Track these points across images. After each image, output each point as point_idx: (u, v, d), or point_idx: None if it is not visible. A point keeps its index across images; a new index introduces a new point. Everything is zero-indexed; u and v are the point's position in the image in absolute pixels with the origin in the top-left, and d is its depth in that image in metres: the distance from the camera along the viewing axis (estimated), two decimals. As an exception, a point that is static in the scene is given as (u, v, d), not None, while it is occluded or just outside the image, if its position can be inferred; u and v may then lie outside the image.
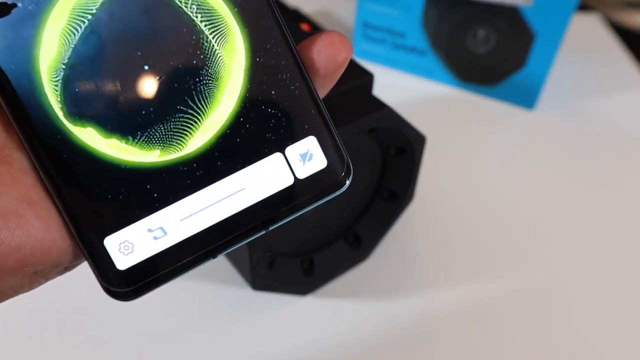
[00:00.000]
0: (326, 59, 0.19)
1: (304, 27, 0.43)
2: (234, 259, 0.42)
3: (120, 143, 0.18)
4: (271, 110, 0.19)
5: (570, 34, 0.66)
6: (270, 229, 0.19)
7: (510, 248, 0.46)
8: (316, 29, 0.43)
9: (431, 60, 0.61)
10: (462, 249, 0.45)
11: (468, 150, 0.55)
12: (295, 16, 0.46)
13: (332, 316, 0.40)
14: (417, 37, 0.60)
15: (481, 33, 0.57)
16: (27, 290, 0.18)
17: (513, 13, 0.55)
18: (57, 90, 0.17)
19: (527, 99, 0.59)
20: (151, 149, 0.18)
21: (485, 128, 0.58)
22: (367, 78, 0.38)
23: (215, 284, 0.42)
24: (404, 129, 0.38)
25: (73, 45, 0.17)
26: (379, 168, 0.42)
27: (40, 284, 0.18)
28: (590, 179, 0.53)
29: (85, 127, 0.18)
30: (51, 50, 0.17)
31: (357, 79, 0.37)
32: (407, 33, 0.61)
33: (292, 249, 0.41)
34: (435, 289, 0.42)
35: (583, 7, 0.78)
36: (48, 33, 0.17)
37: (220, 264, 0.43)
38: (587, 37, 0.72)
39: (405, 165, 0.41)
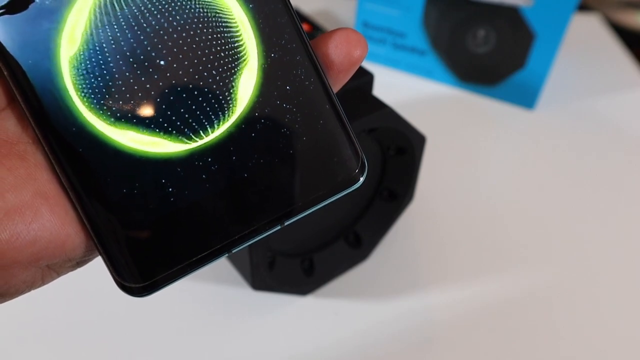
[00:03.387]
0: (342, 55, 0.20)
1: (304, 27, 0.43)
2: (234, 259, 0.42)
3: (137, 135, 0.18)
4: (286, 105, 0.19)
5: (570, 34, 0.67)
6: (286, 224, 0.19)
7: (510, 248, 0.46)
8: (316, 29, 0.43)
9: (431, 60, 0.61)
10: (462, 248, 0.45)
11: (468, 150, 0.55)
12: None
13: (332, 316, 0.40)
14: (417, 37, 0.60)
15: (481, 33, 0.57)
16: (39, 286, 0.18)
17: (513, 13, 0.55)
18: (76, 85, 0.17)
19: (527, 99, 0.59)
20: (167, 142, 0.18)
21: (485, 128, 0.58)
22: (367, 78, 0.38)
23: (215, 284, 0.42)
24: (404, 129, 0.38)
25: (94, 38, 0.17)
26: (379, 168, 0.42)
27: (53, 278, 0.18)
28: (591, 178, 0.53)
29: (104, 121, 0.18)
30: (71, 44, 0.17)
31: (357, 79, 0.37)
32: (407, 33, 0.61)
33: (292, 249, 0.41)
34: (435, 289, 0.42)
35: (583, 7, 0.78)
36: (68, 27, 0.17)
37: (220, 264, 0.43)
38: (587, 37, 0.72)
39: (405, 165, 0.41)
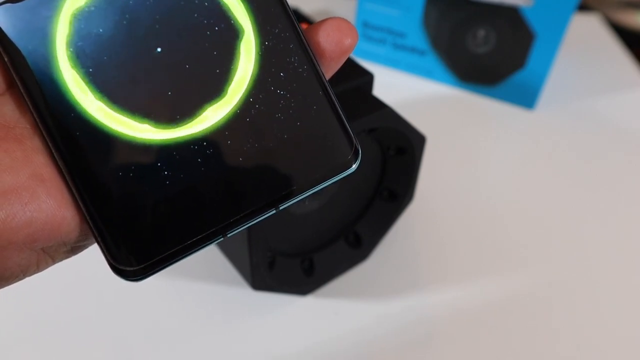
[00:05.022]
0: (333, 43, 0.20)
1: (304, 27, 0.43)
2: (234, 259, 0.42)
3: (133, 120, 0.18)
4: (280, 92, 0.19)
5: (570, 34, 0.67)
6: (281, 208, 0.20)
7: (510, 248, 0.46)
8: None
9: (431, 60, 0.61)
10: (462, 248, 0.45)
11: (468, 150, 0.55)
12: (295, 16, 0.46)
13: (332, 316, 0.40)
14: (417, 37, 0.60)
15: (481, 33, 0.58)
16: (34, 272, 0.18)
17: (513, 13, 0.55)
18: (73, 70, 0.18)
19: (527, 99, 0.59)
20: (162, 126, 0.18)
21: (485, 128, 0.58)
22: (367, 78, 0.38)
23: (215, 284, 0.42)
24: (404, 129, 0.38)
25: (90, 25, 0.18)
26: (379, 168, 0.42)
27: (48, 265, 0.19)
28: (590, 178, 0.53)
29: (101, 106, 0.18)
30: (69, 31, 0.18)
31: (357, 79, 0.37)
32: (407, 33, 0.61)
33: (292, 249, 0.41)
34: (435, 289, 0.42)
35: (583, 7, 0.78)
36: (65, 14, 0.18)
37: (220, 264, 0.43)
38: (587, 37, 0.72)
39: (405, 165, 0.41)
